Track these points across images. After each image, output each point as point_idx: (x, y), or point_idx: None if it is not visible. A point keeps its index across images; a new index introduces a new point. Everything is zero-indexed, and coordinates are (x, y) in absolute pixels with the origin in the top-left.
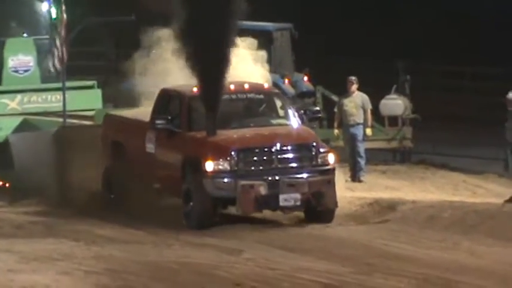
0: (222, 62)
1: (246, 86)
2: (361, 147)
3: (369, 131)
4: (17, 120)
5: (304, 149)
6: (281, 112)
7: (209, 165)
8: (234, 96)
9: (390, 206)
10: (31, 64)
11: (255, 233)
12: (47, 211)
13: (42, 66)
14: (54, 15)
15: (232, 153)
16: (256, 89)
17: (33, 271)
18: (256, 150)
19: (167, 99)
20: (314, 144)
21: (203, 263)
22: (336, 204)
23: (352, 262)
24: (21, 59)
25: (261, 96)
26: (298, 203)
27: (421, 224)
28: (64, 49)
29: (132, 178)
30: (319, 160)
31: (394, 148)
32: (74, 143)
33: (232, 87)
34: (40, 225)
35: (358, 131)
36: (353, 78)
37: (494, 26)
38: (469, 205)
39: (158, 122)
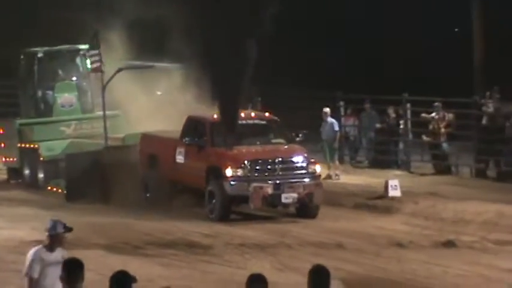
0: (237, 99)
1: (253, 114)
2: None
3: None
4: (65, 142)
5: (298, 161)
6: (278, 134)
7: (228, 172)
8: (244, 122)
9: None
10: (74, 101)
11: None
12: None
13: (81, 102)
14: (89, 66)
15: (246, 162)
16: (260, 116)
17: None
18: (264, 161)
19: (194, 123)
20: (305, 157)
21: None
22: (321, 202)
23: None
24: (67, 97)
25: (264, 122)
26: (296, 201)
27: None
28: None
29: (164, 182)
30: (309, 169)
31: None
32: (115, 159)
33: (242, 115)
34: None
35: None
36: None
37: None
38: None
39: (187, 139)
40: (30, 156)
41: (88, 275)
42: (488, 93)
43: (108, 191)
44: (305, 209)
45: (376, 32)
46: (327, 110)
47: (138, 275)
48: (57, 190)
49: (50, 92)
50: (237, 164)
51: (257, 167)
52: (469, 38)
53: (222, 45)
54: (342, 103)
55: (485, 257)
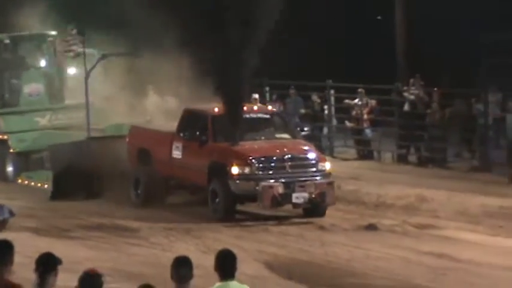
0: (241, 91)
1: (255, 108)
2: None
3: None
4: (37, 133)
5: (308, 158)
6: (282, 128)
7: (234, 170)
8: (247, 116)
9: None
10: (41, 90)
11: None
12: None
13: (49, 91)
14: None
15: (253, 160)
16: (263, 110)
17: None
18: (273, 158)
19: (192, 116)
20: (315, 154)
21: None
22: (334, 202)
23: None
24: (34, 86)
25: (267, 116)
26: (307, 201)
27: None
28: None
29: (157, 178)
30: (320, 166)
31: None
32: (100, 150)
33: (245, 108)
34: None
35: None
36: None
37: None
38: None
39: (186, 133)
40: None
41: (15, 257)
42: (411, 80)
43: (94, 186)
44: (314, 209)
45: (300, 18)
46: (256, 96)
47: (64, 257)
48: (28, 183)
49: (16, 81)
50: (243, 161)
51: (265, 165)
52: (392, 26)
53: (222, 37)
54: (267, 89)
55: (405, 240)
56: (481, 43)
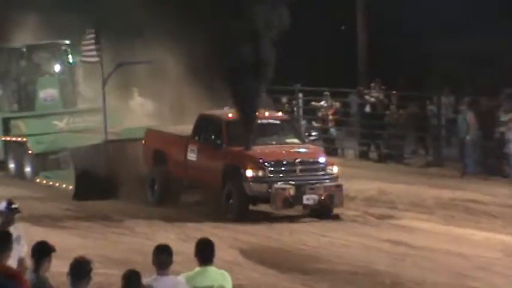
0: (256, 99)
1: (266, 114)
2: None
3: None
4: (54, 136)
5: (317, 162)
6: (291, 133)
7: (249, 173)
8: (259, 121)
9: None
10: (56, 95)
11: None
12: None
13: (63, 96)
14: (71, 60)
15: (266, 164)
16: (273, 116)
17: None
18: (284, 162)
19: (207, 121)
20: (324, 158)
21: None
22: (342, 204)
23: None
24: (49, 91)
25: (277, 121)
26: (316, 202)
27: None
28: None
29: (172, 178)
30: (327, 170)
31: None
32: (117, 152)
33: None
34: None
35: None
36: None
37: None
38: None
39: (201, 137)
40: (16, 149)
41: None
42: (372, 84)
43: (113, 186)
44: (321, 209)
45: None
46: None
47: (57, 245)
48: (46, 183)
49: (32, 87)
50: (257, 164)
51: (277, 168)
52: (355, 34)
53: (239, 47)
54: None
55: (366, 229)
56: (436, 50)
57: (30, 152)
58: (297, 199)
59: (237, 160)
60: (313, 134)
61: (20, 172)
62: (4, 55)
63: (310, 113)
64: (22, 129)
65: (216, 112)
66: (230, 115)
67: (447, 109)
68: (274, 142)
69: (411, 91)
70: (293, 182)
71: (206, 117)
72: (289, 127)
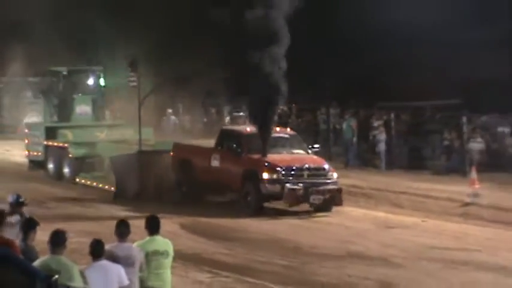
0: (272, 117)
1: (277, 129)
2: None
3: None
4: (93, 144)
5: (321, 168)
6: (297, 145)
7: (265, 175)
8: (272, 134)
9: None
10: (89, 111)
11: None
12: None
13: (94, 111)
14: (102, 83)
15: (279, 169)
16: (283, 131)
17: None
18: (294, 168)
19: (228, 135)
20: (326, 165)
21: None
22: (342, 203)
23: None
24: (83, 107)
25: (286, 135)
26: (321, 202)
27: None
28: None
29: (196, 181)
30: (329, 175)
31: None
32: (148, 161)
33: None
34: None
35: None
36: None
37: None
38: None
39: (223, 147)
40: (56, 152)
41: None
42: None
43: (145, 189)
44: (323, 207)
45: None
46: (170, 110)
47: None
48: (85, 182)
49: (70, 103)
50: (272, 169)
51: (288, 172)
52: None
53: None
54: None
55: (275, 210)
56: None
57: (70, 155)
58: (305, 198)
59: (255, 165)
60: (316, 146)
61: (58, 173)
62: (49, 76)
63: (233, 122)
64: (69, 137)
65: (236, 127)
66: (248, 129)
67: (334, 117)
68: (284, 152)
69: (307, 103)
70: (301, 184)
71: (227, 131)
72: (296, 140)
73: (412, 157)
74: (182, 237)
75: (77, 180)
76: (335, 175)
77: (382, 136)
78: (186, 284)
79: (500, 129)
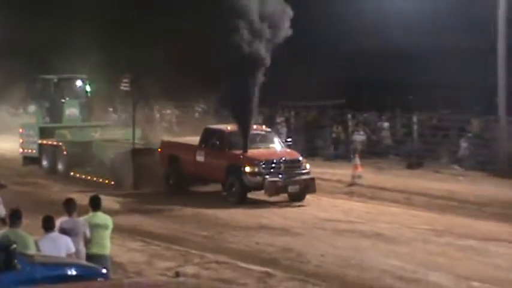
0: (250, 116)
1: (255, 127)
2: None
3: None
4: (86, 142)
5: (296, 161)
6: (272, 140)
7: (247, 169)
8: (251, 132)
9: None
10: (77, 113)
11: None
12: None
13: (81, 114)
14: (88, 89)
15: (261, 162)
16: (260, 128)
17: None
18: (273, 161)
19: (212, 133)
20: (300, 158)
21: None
22: (315, 191)
23: None
24: (72, 110)
25: (263, 132)
26: (298, 191)
27: None
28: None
29: (183, 175)
30: (303, 167)
31: None
32: (141, 157)
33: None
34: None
35: None
36: None
37: None
38: None
39: (207, 144)
40: (50, 150)
41: None
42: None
43: (138, 181)
44: (299, 196)
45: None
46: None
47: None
48: (80, 176)
49: (60, 106)
50: (254, 163)
51: (268, 165)
52: None
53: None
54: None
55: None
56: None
57: (65, 153)
58: (284, 188)
59: (238, 160)
60: (288, 140)
61: (51, 168)
62: (40, 83)
63: None
64: (67, 137)
65: (218, 126)
66: (229, 127)
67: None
68: (262, 147)
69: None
70: (280, 176)
71: (211, 129)
72: (271, 136)
73: (307, 147)
74: (124, 214)
75: (71, 174)
76: (308, 166)
77: (283, 130)
78: (123, 252)
79: (379, 123)
